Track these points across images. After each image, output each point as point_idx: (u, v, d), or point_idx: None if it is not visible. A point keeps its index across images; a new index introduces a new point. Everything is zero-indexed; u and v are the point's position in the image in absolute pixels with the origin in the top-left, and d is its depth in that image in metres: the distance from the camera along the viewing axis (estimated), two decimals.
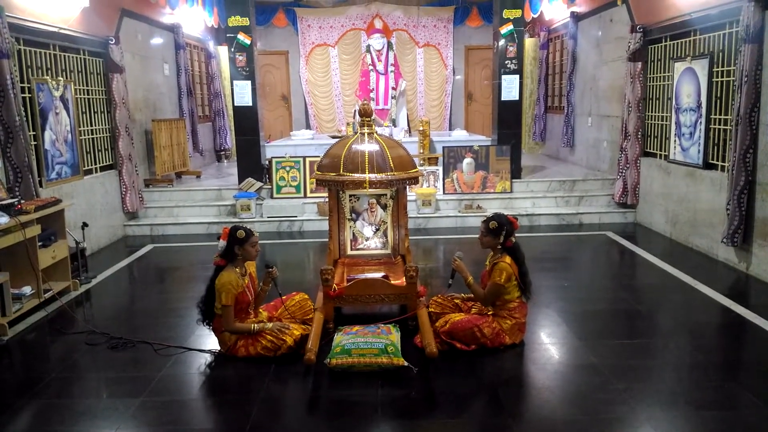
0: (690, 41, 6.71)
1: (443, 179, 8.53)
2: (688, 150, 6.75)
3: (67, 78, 6.68)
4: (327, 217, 7.59)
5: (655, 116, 7.58)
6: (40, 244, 5.07)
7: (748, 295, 5.23)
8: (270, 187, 8.46)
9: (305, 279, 5.95)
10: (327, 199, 7.81)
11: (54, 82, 6.36)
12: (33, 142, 5.92)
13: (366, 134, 4.67)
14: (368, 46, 11.32)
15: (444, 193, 8.47)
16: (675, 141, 7.01)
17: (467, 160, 8.49)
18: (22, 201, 5.13)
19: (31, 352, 4.41)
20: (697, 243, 6.57)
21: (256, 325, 3.97)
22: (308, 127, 12.65)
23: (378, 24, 11.81)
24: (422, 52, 12.71)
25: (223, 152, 11.85)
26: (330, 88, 12.78)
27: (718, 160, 6.27)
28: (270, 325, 4.00)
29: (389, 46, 11.30)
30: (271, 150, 9.30)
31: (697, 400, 3.41)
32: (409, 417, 3.33)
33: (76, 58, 6.95)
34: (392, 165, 4.52)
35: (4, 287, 4.58)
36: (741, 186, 5.55)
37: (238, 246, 3.96)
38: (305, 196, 8.41)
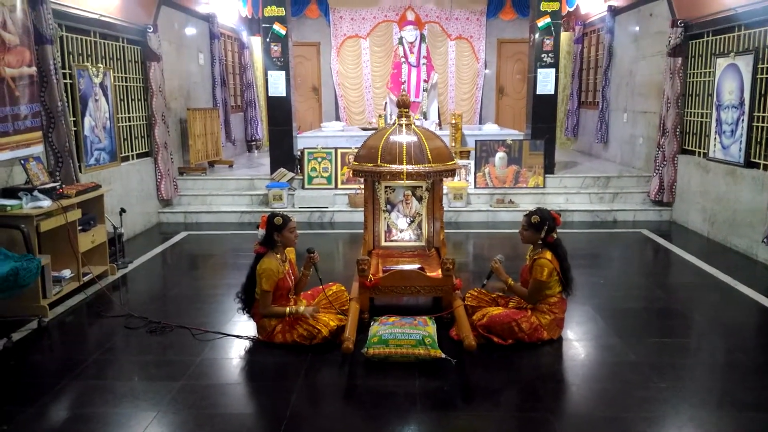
0: (734, 36, 6.55)
1: (475, 173, 8.47)
2: (728, 148, 6.61)
3: (106, 65, 6.77)
4: (357, 209, 7.65)
5: (694, 113, 7.44)
6: (80, 228, 5.14)
7: None
8: (302, 177, 8.49)
9: (336, 270, 5.95)
10: (358, 191, 7.87)
11: (94, 69, 6.45)
12: (73, 128, 6.01)
13: (404, 125, 4.66)
14: (401, 38, 11.27)
15: (475, 187, 8.41)
16: (715, 138, 6.87)
17: (500, 154, 8.43)
18: (63, 185, 5.21)
19: (71, 333, 4.49)
20: (735, 243, 6.44)
21: (290, 308, 3.99)
22: (338, 118, 12.66)
23: (410, 16, 11.73)
24: (454, 45, 12.61)
25: (254, 142, 11.92)
26: (361, 80, 12.76)
27: (760, 159, 6.12)
28: (302, 308, 4.01)
29: (422, 38, 11.24)
30: (303, 141, 9.32)
31: (740, 401, 3.33)
32: (446, 409, 3.31)
33: (115, 45, 7.03)
34: (430, 157, 4.50)
35: (46, 269, 4.66)
36: None
37: (277, 232, 3.99)
38: (336, 188, 8.42)
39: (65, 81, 5.93)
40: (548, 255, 3.96)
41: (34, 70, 5.27)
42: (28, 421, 3.17)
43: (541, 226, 3.99)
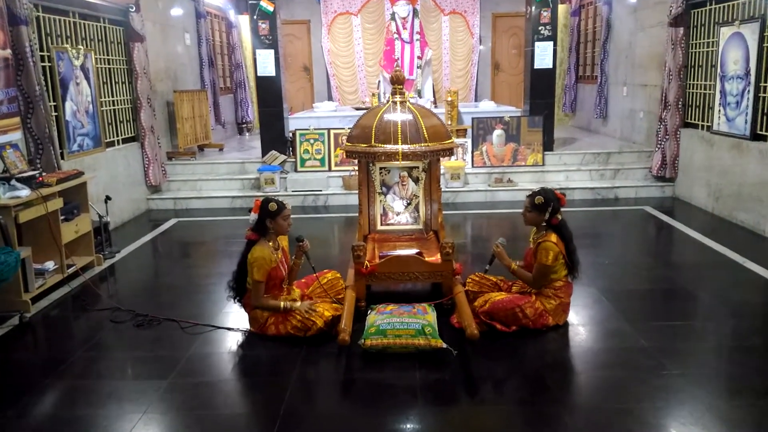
0: (738, 4, 6.32)
1: (472, 152, 8.25)
2: (733, 120, 6.40)
3: (87, 47, 6.49)
4: (352, 191, 7.44)
5: (697, 85, 7.22)
6: (62, 218, 4.92)
7: None
8: (294, 160, 8.26)
9: (331, 255, 5.76)
10: (352, 173, 7.65)
11: (74, 51, 6.17)
12: (54, 113, 5.75)
13: (398, 103, 4.43)
14: (393, 14, 10.97)
15: (473, 166, 8.20)
16: (719, 111, 6.66)
17: (497, 132, 8.20)
18: (44, 173, 4.98)
19: (54, 329, 4.29)
20: (742, 218, 6.26)
21: (284, 303, 3.80)
22: (330, 98, 12.38)
23: None
24: (448, 20, 12.29)
25: (244, 125, 11.65)
26: (352, 58, 12.45)
27: (767, 131, 5.92)
28: (298, 304, 3.82)
29: (415, 13, 10.93)
30: (295, 122, 9.08)
31: (759, 388, 3.16)
32: (449, 402, 3.14)
33: (96, 26, 6.74)
34: (426, 136, 4.28)
35: (27, 262, 4.45)
36: None
37: (270, 219, 3.78)
38: (330, 170, 8.20)
39: (43, 64, 5.66)
40: (553, 238, 3.77)
41: (9, 52, 5.02)
42: (8, 424, 2.99)
43: (546, 207, 3.79)
